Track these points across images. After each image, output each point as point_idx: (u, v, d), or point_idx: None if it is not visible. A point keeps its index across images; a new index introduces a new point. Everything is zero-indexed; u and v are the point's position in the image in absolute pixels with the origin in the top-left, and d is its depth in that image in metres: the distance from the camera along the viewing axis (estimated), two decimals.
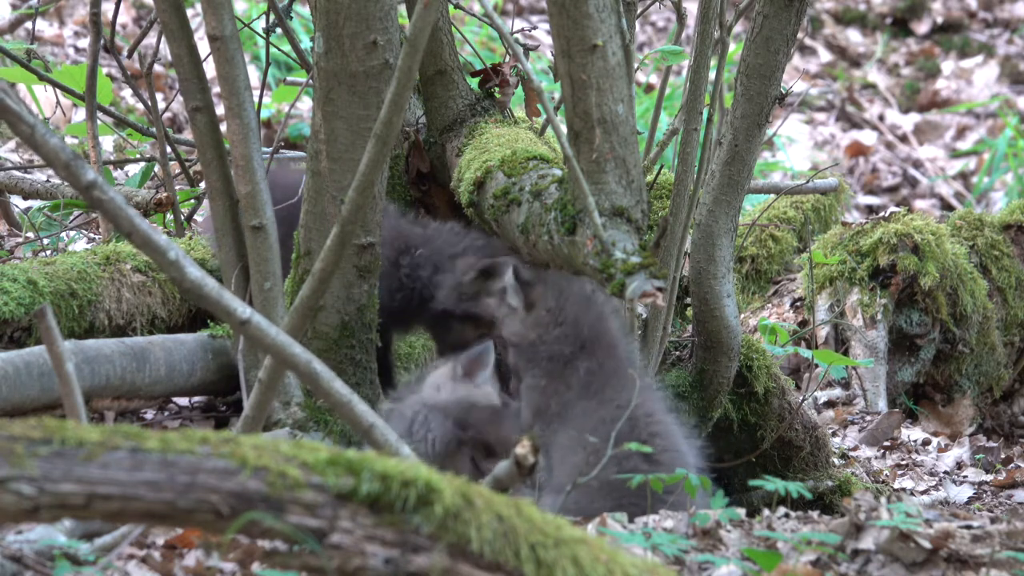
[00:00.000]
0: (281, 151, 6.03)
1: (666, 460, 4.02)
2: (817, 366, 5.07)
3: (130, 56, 5.96)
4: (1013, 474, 5.51)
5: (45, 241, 5.78)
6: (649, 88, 10.06)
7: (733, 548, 3.42)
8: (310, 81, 4.55)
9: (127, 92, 8.60)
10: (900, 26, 12.22)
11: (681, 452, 4.11)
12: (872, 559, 3.36)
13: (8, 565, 3.15)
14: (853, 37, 12.12)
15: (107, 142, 7.35)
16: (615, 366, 4.22)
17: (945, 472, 5.57)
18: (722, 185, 4.54)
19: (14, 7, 8.85)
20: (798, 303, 6.23)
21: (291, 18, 5.23)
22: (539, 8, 11.18)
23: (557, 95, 4.53)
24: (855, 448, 5.64)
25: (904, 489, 5.35)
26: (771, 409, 4.85)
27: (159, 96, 7.63)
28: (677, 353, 4.83)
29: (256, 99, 4.69)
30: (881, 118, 11.38)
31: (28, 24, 7.25)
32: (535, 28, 7.54)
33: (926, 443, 5.80)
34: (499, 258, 4.49)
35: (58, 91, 5.87)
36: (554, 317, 4.27)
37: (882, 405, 5.96)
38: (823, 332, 6.09)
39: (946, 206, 10.40)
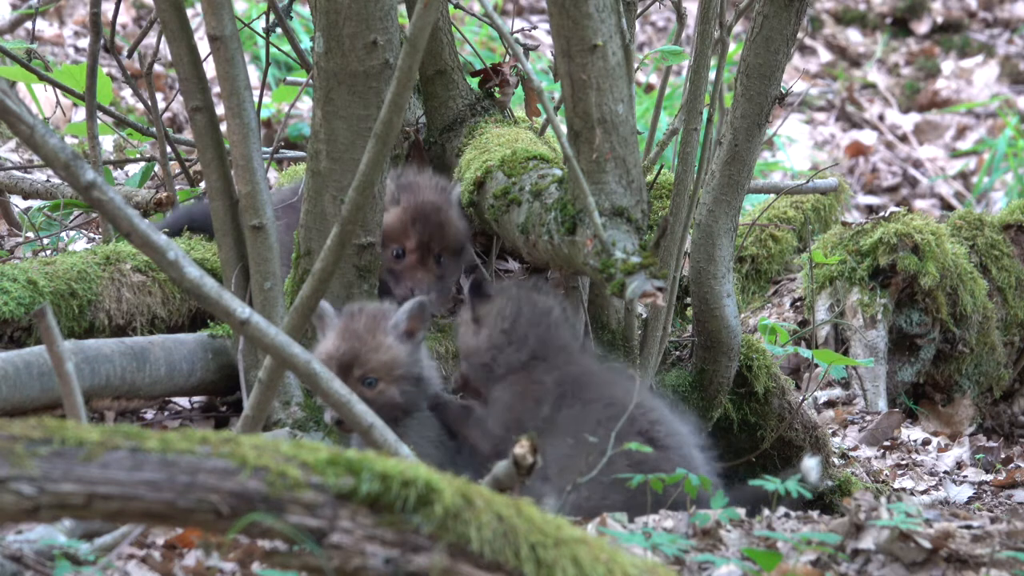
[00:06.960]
0: (281, 151, 6.03)
1: (673, 444, 4.01)
2: (817, 366, 5.06)
3: (130, 56, 5.96)
4: (1013, 474, 5.51)
5: (45, 241, 5.77)
6: (649, 88, 10.06)
7: (733, 548, 3.42)
8: (310, 81, 4.55)
9: (127, 92, 8.59)
10: (900, 26, 12.22)
11: (683, 435, 4.09)
12: (872, 559, 3.36)
13: (8, 565, 3.15)
14: (853, 37, 12.12)
15: (107, 142, 7.35)
16: (579, 368, 4.20)
17: (945, 472, 5.57)
18: (722, 185, 4.54)
19: (14, 7, 8.85)
20: (798, 303, 6.23)
21: (291, 18, 5.23)
22: (539, 8, 11.18)
23: (557, 95, 4.53)
24: (855, 448, 5.63)
25: (904, 489, 5.34)
26: (771, 409, 4.85)
27: (159, 96, 7.63)
28: (677, 353, 4.83)
29: (256, 99, 4.69)
30: (881, 118, 11.38)
31: (28, 24, 7.24)
32: (535, 28, 7.54)
33: (926, 443, 5.80)
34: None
35: (58, 91, 5.87)
36: (508, 337, 4.24)
37: (882, 405, 5.96)
38: (823, 332, 6.09)
39: (946, 206, 10.40)
